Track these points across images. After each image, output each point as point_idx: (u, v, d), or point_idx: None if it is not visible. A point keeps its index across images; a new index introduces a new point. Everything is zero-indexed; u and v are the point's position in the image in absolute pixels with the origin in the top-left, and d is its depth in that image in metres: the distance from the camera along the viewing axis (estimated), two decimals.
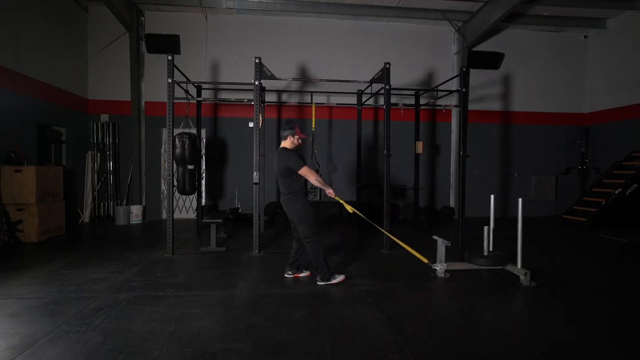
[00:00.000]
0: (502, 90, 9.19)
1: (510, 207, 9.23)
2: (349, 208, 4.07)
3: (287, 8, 7.95)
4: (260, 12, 8.22)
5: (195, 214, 7.30)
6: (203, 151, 8.11)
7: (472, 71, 7.54)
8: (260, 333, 2.71)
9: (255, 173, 5.08)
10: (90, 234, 6.68)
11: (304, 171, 3.72)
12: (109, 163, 8.11)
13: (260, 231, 5.39)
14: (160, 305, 3.19)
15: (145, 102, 8.29)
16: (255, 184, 5.08)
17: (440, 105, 8.52)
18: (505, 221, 8.51)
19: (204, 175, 8.25)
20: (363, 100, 7.25)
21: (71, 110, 7.55)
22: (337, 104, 7.80)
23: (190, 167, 5.62)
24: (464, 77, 5.49)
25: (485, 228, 4.17)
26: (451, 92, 6.43)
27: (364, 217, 4.38)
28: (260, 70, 5.03)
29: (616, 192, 7.41)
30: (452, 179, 8.97)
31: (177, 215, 7.80)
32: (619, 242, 6.13)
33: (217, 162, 8.43)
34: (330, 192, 3.84)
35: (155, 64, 8.14)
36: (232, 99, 6.95)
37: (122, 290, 3.56)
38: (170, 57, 4.98)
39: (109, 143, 8.11)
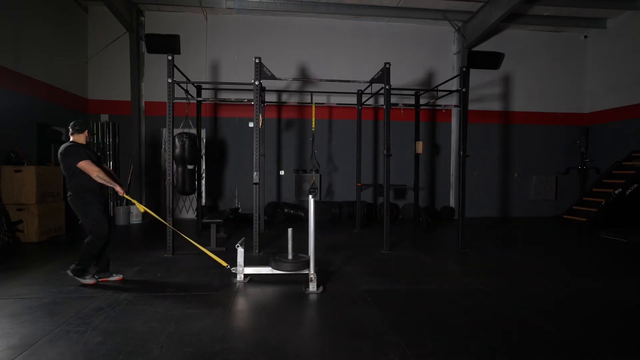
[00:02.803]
0: (502, 90, 9.18)
1: (510, 207, 9.24)
2: (141, 207, 4.08)
3: (287, 8, 7.95)
4: (260, 12, 8.22)
5: (195, 214, 7.30)
6: (203, 151, 8.11)
7: (472, 71, 7.55)
8: (260, 333, 2.71)
9: (255, 173, 5.08)
10: None
11: (83, 165, 3.52)
12: (109, 163, 8.10)
13: (260, 231, 5.38)
14: (160, 305, 3.19)
15: (145, 102, 8.29)
16: (255, 184, 5.08)
17: (440, 105, 8.52)
18: (505, 221, 8.56)
19: (204, 175, 8.25)
20: (363, 100, 7.25)
21: (71, 110, 7.54)
22: (337, 104, 7.79)
23: (190, 167, 5.62)
24: (464, 77, 5.49)
25: (290, 230, 3.89)
26: (451, 92, 6.42)
27: (156, 216, 4.32)
28: (260, 70, 5.03)
29: (616, 192, 7.41)
30: (452, 179, 8.96)
31: (177, 215, 7.80)
32: (617, 241, 6.13)
33: (217, 162, 8.43)
34: (119, 189, 3.72)
35: (155, 64, 8.14)
36: (232, 99, 6.95)
37: (122, 290, 3.56)
38: (170, 57, 4.98)
39: (109, 143, 8.11)
